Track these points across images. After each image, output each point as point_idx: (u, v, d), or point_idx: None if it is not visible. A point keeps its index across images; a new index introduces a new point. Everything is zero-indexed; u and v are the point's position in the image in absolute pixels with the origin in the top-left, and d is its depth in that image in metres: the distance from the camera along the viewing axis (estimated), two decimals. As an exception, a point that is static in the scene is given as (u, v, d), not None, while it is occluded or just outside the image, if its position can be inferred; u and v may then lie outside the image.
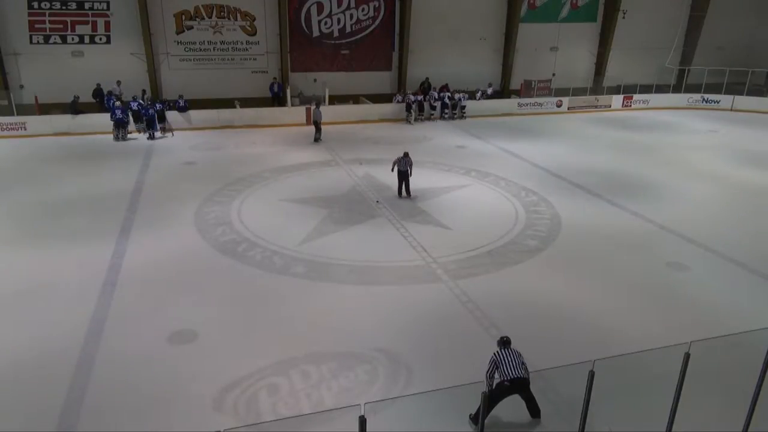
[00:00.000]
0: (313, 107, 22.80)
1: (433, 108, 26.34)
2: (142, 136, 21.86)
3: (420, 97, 26.21)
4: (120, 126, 21.29)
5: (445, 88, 27.16)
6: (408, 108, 25.52)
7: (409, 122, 25.42)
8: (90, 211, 14.18)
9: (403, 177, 15.46)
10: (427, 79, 28.10)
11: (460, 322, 9.59)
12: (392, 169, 15.52)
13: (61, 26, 23.58)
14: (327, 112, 23.75)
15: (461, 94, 26.52)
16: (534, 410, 7.10)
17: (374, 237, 13.01)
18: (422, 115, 25.97)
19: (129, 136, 21.61)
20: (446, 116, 26.34)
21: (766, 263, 11.90)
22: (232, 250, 12.10)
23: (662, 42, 31.49)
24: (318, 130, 22.09)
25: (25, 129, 21.45)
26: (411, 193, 15.52)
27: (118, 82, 23.79)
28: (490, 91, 28.22)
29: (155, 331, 9.05)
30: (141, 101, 22.60)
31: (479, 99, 27.46)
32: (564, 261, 11.97)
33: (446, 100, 26.35)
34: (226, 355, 8.49)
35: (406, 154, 15.38)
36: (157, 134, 21.86)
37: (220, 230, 13.14)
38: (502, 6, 29.11)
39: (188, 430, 6.94)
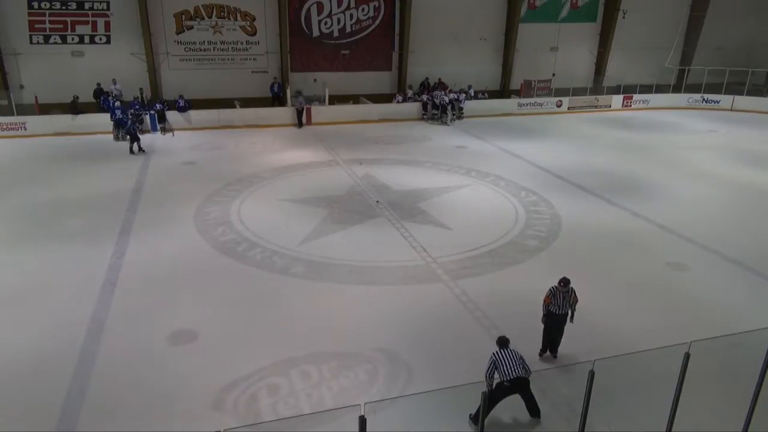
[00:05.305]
0: (300, 98, 24.31)
1: (436, 108, 26.24)
2: (147, 136, 21.56)
3: (455, 94, 25.95)
4: (120, 126, 21.27)
5: (442, 86, 27.08)
6: (443, 109, 25.27)
7: (446, 123, 25.12)
8: (90, 211, 14.17)
9: (559, 325, 8.54)
10: (427, 78, 28.08)
11: (460, 322, 9.59)
12: (543, 315, 8.49)
13: (61, 26, 23.55)
14: (327, 112, 23.77)
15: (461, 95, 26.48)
16: (534, 410, 7.10)
17: (374, 237, 13.01)
18: (446, 115, 25.51)
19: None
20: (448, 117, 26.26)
21: (766, 263, 11.91)
22: (232, 250, 12.10)
23: (662, 42, 31.48)
24: (300, 116, 23.94)
25: (25, 129, 21.45)
26: (557, 353, 8.70)
27: (114, 81, 23.69)
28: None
29: (155, 330, 9.06)
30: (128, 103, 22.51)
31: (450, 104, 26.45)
32: (564, 261, 11.94)
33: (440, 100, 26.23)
34: (226, 355, 8.49)
35: (565, 283, 8.34)
36: (151, 137, 21.54)
37: (220, 230, 13.14)
38: (502, 6, 29.09)
39: (188, 430, 6.94)
